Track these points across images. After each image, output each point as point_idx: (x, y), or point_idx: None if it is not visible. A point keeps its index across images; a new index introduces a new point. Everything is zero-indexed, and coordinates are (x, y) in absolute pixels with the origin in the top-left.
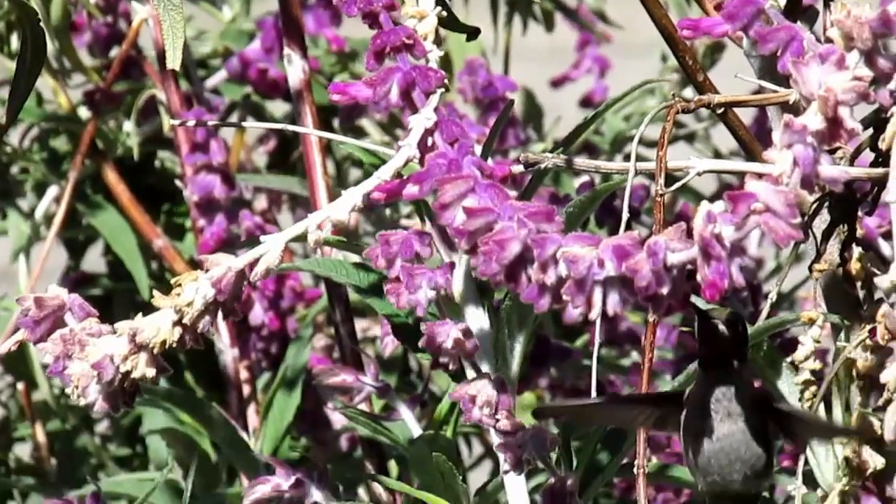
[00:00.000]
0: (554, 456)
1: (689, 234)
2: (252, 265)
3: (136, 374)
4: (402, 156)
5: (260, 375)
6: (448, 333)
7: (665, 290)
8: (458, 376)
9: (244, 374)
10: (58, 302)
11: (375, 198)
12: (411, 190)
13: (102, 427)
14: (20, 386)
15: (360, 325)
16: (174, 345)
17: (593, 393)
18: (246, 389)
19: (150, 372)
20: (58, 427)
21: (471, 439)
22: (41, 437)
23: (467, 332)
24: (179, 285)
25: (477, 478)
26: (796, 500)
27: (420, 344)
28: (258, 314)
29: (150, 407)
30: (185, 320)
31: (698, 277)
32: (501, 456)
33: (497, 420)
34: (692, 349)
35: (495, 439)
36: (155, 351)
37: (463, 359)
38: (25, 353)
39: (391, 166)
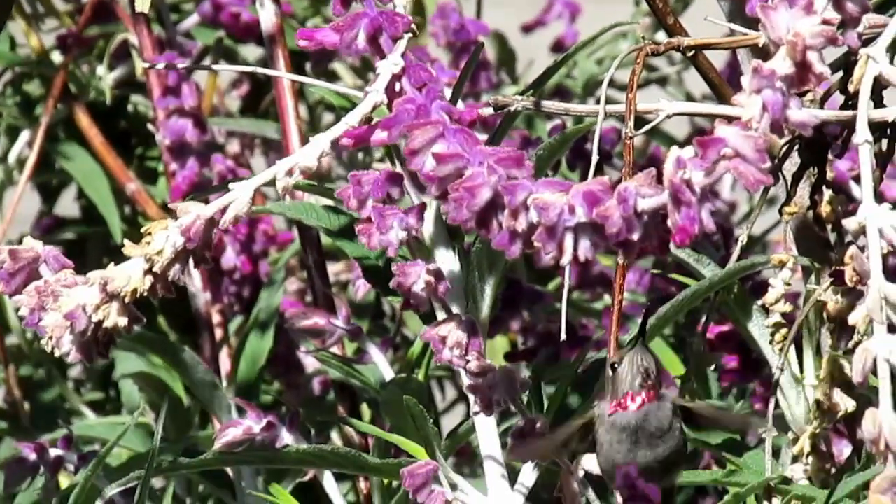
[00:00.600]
0: (525, 399)
1: (659, 179)
2: (222, 212)
3: (108, 324)
4: (370, 102)
5: (232, 319)
6: (419, 274)
7: (636, 236)
8: (430, 319)
9: (216, 318)
10: (32, 254)
11: (344, 144)
12: (380, 136)
13: (75, 371)
14: None
15: (332, 269)
16: (146, 293)
17: (563, 336)
18: (218, 333)
19: (123, 321)
20: (31, 372)
21: (444, 383)
22: (14, 381)
23: (438, 274)
24: (149, 234)
25: (451, 422)
26: (766, 442)
27: (391, 285)
28: (230, 258)
29: (123, 351)
30: (156, 269)
31: (669, 222)
32: (472, 397)
33: (467, 361)
34: (665, 292)
35: (466, 381)
36: (126, 300)
37: (434, 301)
38: None
39: (359, 112)
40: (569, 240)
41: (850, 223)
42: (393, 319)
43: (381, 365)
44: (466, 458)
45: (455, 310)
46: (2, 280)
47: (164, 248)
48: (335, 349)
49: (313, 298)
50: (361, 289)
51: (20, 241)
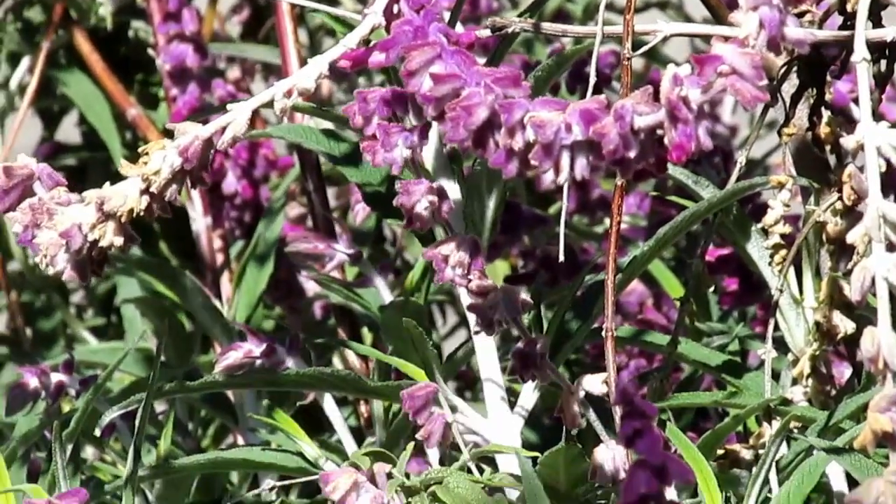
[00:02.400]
0: (525, 320)
1: (656, 97)
2: (220, 133)
3: (103, 243)
4: (368, 23)
5: (233, 244)
6: (422, 193)
7: (633, 154)
8: (430, 242)
9: (217, 243)
10: (27, 171)
11: (342, 65)
12: (378, 58)
13: (77, 297)
14: None
15: (332, 194)
16: (142, 213)
17: (561, 258)
18: (219, 258)
19: (118, 240)
20: (32, 298)
21: (444, 308)
22: (15, 307)
23: (441, 193)
24: (147, 154)
25: (451, 348)
26: (766, 364)
27: (395, 203)
28: (231, 183)
29: (125, 276)
30: (153, 189)
31: (666, 140)
32: (472, 317)
33: (469, 280)
34: (664, 215)
35: (466, 300)
36: (122, 219)
37: (435, 223)
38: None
39: (357, 34)
40: (565, 158)
41: (848, 142)
42: (393, 245)
43: (381, 289)
44: (467, 383)
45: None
46: None
47: (161, 167)
48: (335, 273)
49: (314, 223)
50: (361, 214)
51: None
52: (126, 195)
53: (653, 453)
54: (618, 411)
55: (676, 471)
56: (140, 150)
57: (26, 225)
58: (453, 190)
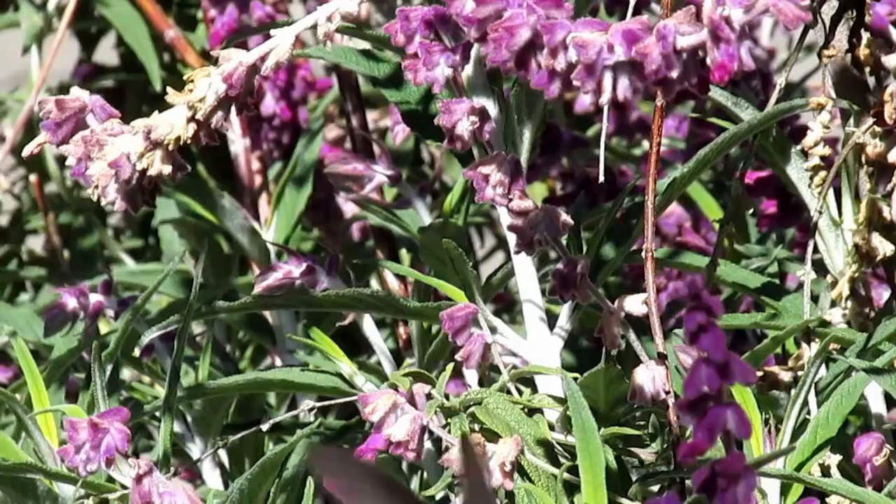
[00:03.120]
0: (564, 241)
1: (698, 17)
2: (263, 59)
3: (152, 172)
4: None
5: (271, 166)
6: (464, 112)
7: (675, 74)
8: (470, 163)
9: (256, 165)
10: (79, 104)
11: None
12: None
13: (115, 219)
14: (33, 178)
15: (371, 116)
16: (189, 141)
17: (601, 177)
18: (257, 180)
19: (167, 169)
20: (70, 219)
21: (483, 231)
22: (53, 229)
23: (483, 112)
24: (192, 81)
25: (489, 271)
26: (805, 286)
27: (435, 122)
28: (269, 104)
29: (163, 198)
30: (199, 116)
31: (708, 60)
32: (512, 238)
33: (510, 199)
34: (703, 136)
35: (506, 220)
36: (170, 147)
37: (476, 141)
38: None
39: None
40: (608, 78)
41: (889, 61)
42: (431, 167)
43: (420, 210)
44: (504, 306)
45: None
46: (49, 130)
47: (206, 95)
48: (374, 195)
49: (352, 144)
50: (400, 135)
51: (60, 90)
52: (173, 123)
53: (716, 350)
54: (654, 326)
55: (739, 370)
56: (185, 77)
57: (79, 157)
58: (492, 107)
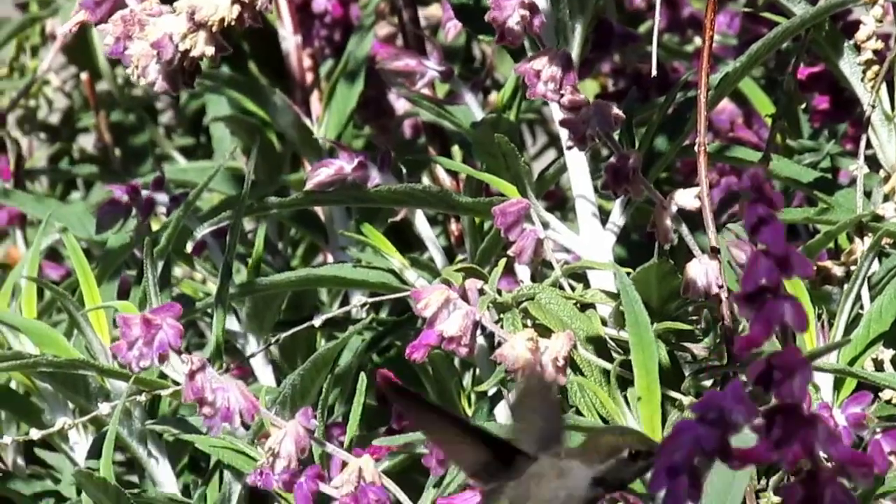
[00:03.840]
0: (616, 136)
1: None
2: None
3: (195, 53)
4: None
5: (323, 63)
6: (514, 7)
7: None
8: (521, 58)
9: (307, 62)
10: None
11: None
12: None
13: (166, 117)
14: (84, 76)
15: (422, 12)
16: (233, 23)
17: (653, 72)
18: (309, 77)
19: (209, 50)
20: (122, 117)
21: (535, 128)
22: (105, 126)
23: (533, 7)
24: None
25: (539, 169)
26: (858, 181)
27: (486, 18)
28: (321, 1)
29: (214, 95)
30: None
31: None
32: (564, 133)
33: (561, 95)
34: (755, 32)
35: (558, 116)
36: (213, 29)
37: (527, 35)
38: (88, 42)
39: None
40: None
41: None
42: (483, 64)
43: (472, 106)
44: (555, 204)
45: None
46: (87, 9)
47: None
48: (426, 91)
49: (404, 41)
50: (452, 31)
51: None
52: (217, 4)
53: (776, 243)
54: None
55: (798, 263)
56: None
57: (118, 37)
58: (544, 4)
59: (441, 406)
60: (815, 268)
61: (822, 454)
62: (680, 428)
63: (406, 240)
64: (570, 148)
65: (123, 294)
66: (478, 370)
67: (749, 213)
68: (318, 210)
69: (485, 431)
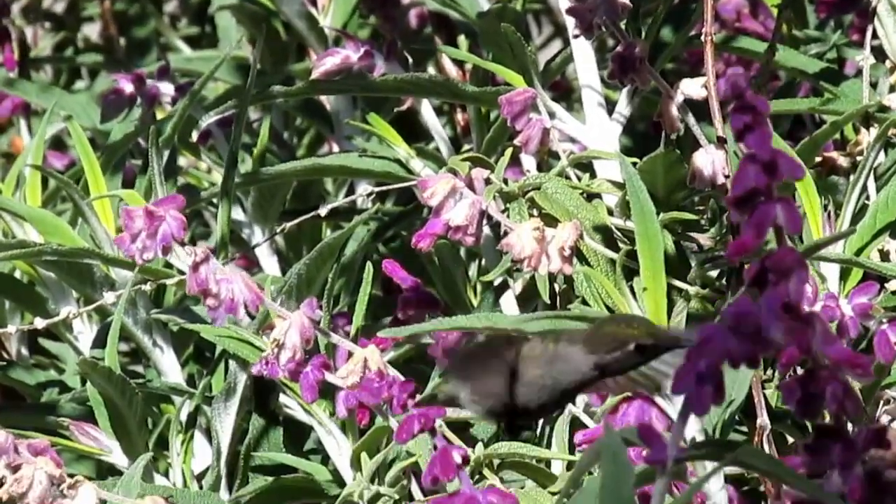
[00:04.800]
0: (623, 25)
1: None
2: None
3: None
4: None
5: None
6: None
7: None
8: None
9: None
10: None
11: None
12: None
13: (171, 6)
14: None
15: None
16: None
17: None
18: None
19: None
20: (126, 6)
21: (541, 19)
22: (109, 16)
23: None
24: None
25: (546, 58)
26: (864, 71)
27: None
28: None
29: None
30: None
31: None
32: (571, 21)
33: None
34: None
35: (565, 4)
36: None
37: None
38: None
39: None
40: None
41: None
42: None
43: None
44: (562, 94)
45: None
46: None
47: None
48: None
49: None
50: None
51: None
52: None
53: (763, 148)
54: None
55: (786, 166)
56: None
57: None
58: None
59: None
60: (820, 159)
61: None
62: (710, 335)
63: (412, 130)
64: (576, 37)
65: (128, 183)
66: (484, 260)
67: (734, 120)
68: (324, 99)
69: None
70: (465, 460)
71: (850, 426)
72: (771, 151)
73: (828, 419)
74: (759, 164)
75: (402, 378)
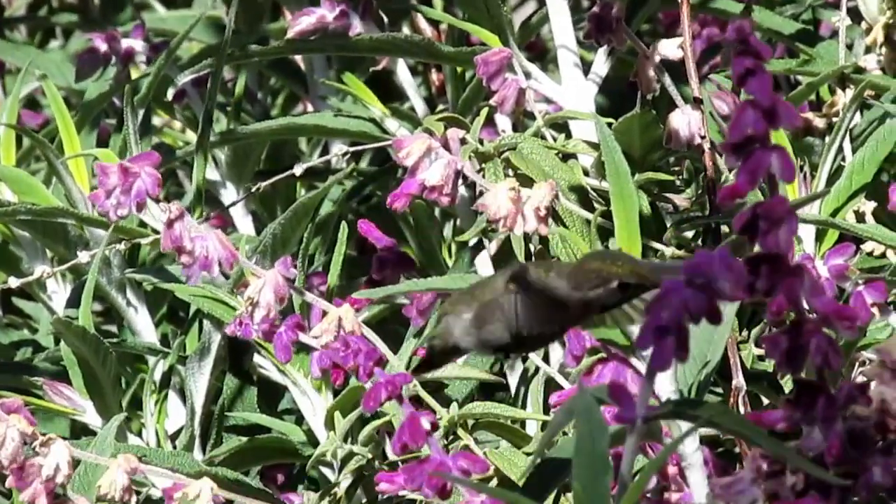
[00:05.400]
0: None
1: None
2: None
3: None
4: None
5: None
6: None
7: None
8: None
9: None
10: None
11: None
12: None
13: None
14: None
15: None
16: None
17: None
18: None
19: None
20: None
21: None
22: None
23: None
24: None
25: (520, 20)
26: (840, 33)
27: None
28: None
29: None
30: None
31: None
32: None
33: None
34: None
35: None
36: None
37: None
38: None
39: None
40: None
41: None
42: None
43: None
44: (538, 55)
45: None
46: None
47: None
48: None
49: None
50: None
51: None
52: None
53: (763, 94)
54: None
55: (786, 114)
56: None
57: None
58: None
59: None
60: None
61: (805, 305)
62: (668, 288)
63: (387, 89)
64: None
65: (103, 143)
66: (459, 220)
67: (736, 64)
68: (299, 59)
69: None
70: (434, 426)
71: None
72: (771, 97)
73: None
74: (759, 110)
75: (368, 345)
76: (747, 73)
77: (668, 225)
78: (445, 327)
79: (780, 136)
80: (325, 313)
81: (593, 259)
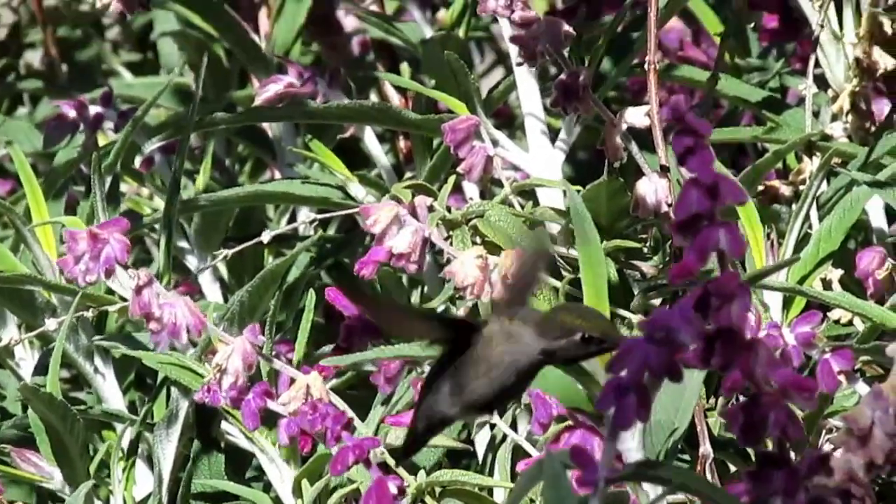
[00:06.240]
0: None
1: None
2: None
3: None
4: None
5: None
6: None
7: None
8: None
9: None
10: None
11: None
12: None
13: (113, 33)
14: None
15: None
16: None
17: None
18: None
19: None
20: (68, 32)
21: (483, 46)
22: (51, 41)
23: None
24: None
25: (488, 87)
26: (807, 100)
27: None
28: None
29: (162, 10)
30: None
31: None
32: (514, 49)
33: (512, 11)
34: None
35: (508, 32)
36: None
37: None
38: None
39: None
40: None
41: None
42: None
43: (420, 22)
44: (505, 122)
45: None
46: None
47: None
48: (374, 7)
49: None
50: None
51: None
52: None
53: (705, 172)
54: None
55: (729, 190)
56: None
57: None
58: None
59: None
60: (762, 187)
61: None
62: (628, 346)
63: (354, 157)
64: (519, 65)
65: (70, 210)
66: (426, 287)
67: (676, 143)
68: (266, 126)
69: (445, 316)
70: (402, 491)
71: (793, 455)
72: (713, 175)
73: (771, 447)
74: (702, 188)
75: (336, 409)
76: (687, 151)
77: (636, 292)
78: (429, 405)
79: (746, 206)
80: (293, 381)
81: (563, 310)
